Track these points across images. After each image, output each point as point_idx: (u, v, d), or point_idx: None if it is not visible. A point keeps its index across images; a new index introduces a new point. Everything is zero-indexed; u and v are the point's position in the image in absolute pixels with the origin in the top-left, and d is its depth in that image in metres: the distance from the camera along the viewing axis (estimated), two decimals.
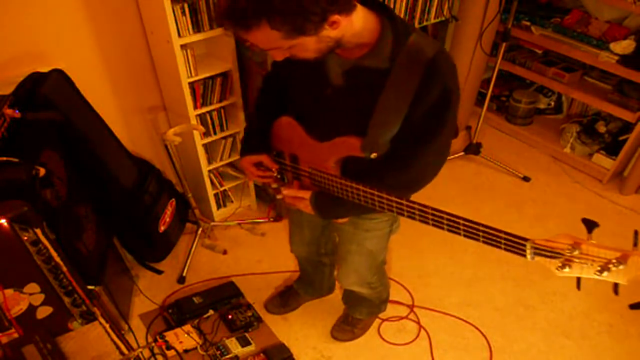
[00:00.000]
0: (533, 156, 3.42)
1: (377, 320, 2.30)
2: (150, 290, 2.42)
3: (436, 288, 2.47)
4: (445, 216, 1.11)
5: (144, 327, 2.25)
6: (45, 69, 1.85)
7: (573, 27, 3.03)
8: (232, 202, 2.91)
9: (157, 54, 2.32)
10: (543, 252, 0.97)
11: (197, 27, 2.12)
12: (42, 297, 1.44)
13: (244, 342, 2.14)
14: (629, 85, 2.92)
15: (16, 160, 1.49)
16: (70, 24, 2.08)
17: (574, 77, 3.22)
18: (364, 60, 1.18)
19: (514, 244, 1.01)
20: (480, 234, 1.06)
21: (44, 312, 1.47)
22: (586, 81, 3.26)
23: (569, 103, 3.65)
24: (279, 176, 1.58)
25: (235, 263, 2.60)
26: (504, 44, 2.84)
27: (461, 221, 1.09)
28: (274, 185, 1.61)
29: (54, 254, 1.39)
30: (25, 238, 1.33)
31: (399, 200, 1.19)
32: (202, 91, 2.31)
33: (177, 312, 2.26)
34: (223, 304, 2.33)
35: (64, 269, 1.42)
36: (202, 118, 2.42)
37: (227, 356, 2.09)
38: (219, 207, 2.84)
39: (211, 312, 2.28)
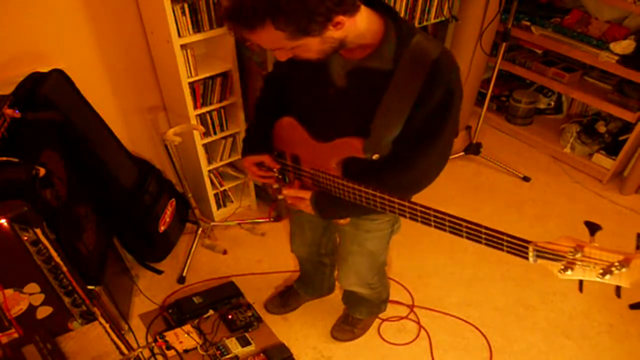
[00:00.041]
0: (533, 156, 3.42)
1: (377, 320, 2.30)
2: (150, 290, 2.41)
3: (436, 288, 2.48)
4: (447, 218, 1.11)
5: (144, 327, 2.25)
6: (45, 69, 1.85)
7: (573, 27, 3.03)
8: (232, 202, 2.91)
9: (157, 54, 2.32)
10: (545, 255, 0.96)
11: (197, 27, 2.11)
12: (42, 297, 1.44)
13: (244, 342, 2.14)
14: (629, 85, 2.92)
15: (16, 160, 1.49)
16: (70, 24, 2.08)
17: (574, 77, 3.22)
18: (367, 61, 1.18)
19: (517, 247, 1.01)
20: (483, 236, 1.06)
21: (44, 312, 1.47)
22: (586, 81, 3.26)
23: (569, 103, 3.65)
24: (280, 176, 1.58)
25: (235, 263, 2.60)
26: (504, 44, 2.84)
27: (464, 223, 1.08)
28: (275, 186, 1.61)
29: (54, 254, 1.39)
30: (25, 238, 1.33)
31: (400, 202, 1.19)
32: (202, 91, 2.31)
33: (177, 312, 2.26)
34: (223, 304, 2.33)
35: (64, 269, 1.42)
36: (202, 118, 2.41)
37: (227, 356, 2.09)
38: (219, 207, 2.83)
39: (211, 312, 2.28)
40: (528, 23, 3.16)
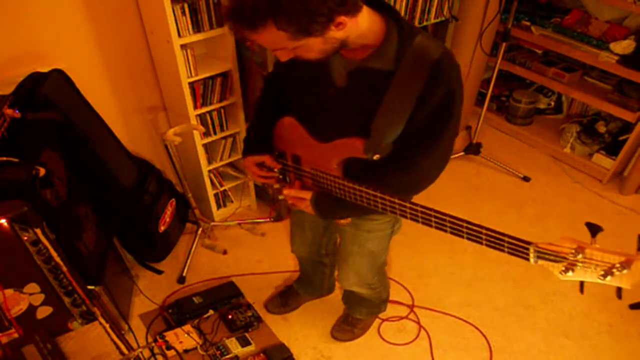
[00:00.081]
0: (533, 156, 3.42)
1: (377, 320, 2.30)
2: (150, 290, 2.41)
3: (436, 288, 2.47)
4: (448, 219, 1.11)
5: (144, 327, 2.25)
6: (45, 69, 1.85)
7: (573, 27, 3.03)
8: (232, 202, 2.91)
9: (157, 54, 2.31)
10: (546, 256, 0.96)
11: (197, 27, 2.11)
12: (42, 297, 1.44)
13: (244, 342, 2.14)
14: (629, 85, 2.92)
15: (16, 160, 1.49)
16: (70, 24, 2.08)
17: (574, 77, 3.22)
18: (369, 62, 1.18)
19: (517, 248, 1.00)
20: (484, 237, 1.06)
21: (44, 312, 1.47)
22: (586, 81, 3.26)
23: (569, 103, 3.65)
24: (280, 176, 1.58)
25: (235, 263, 2.60)
26: (504, 44, 2.84)
27: (464, 224, 1.08)
28: (276, 186, 1.61)
29: (54, 254, 1.39)
30: (25, 238, 1.33)
31: (401, 202, 1.19)
32: (202, 91, 2.31)
33: (177, 312, 2.26)
34: (223, 304, 2.32)
35: (64, 269, 1.42)
36: (202, 118, 2.41)
37: (227, 356, 2.09)
38: (219, 207, 2.83)
39: (211, 312, 2.28)
40: (528, 23, 3.16)
